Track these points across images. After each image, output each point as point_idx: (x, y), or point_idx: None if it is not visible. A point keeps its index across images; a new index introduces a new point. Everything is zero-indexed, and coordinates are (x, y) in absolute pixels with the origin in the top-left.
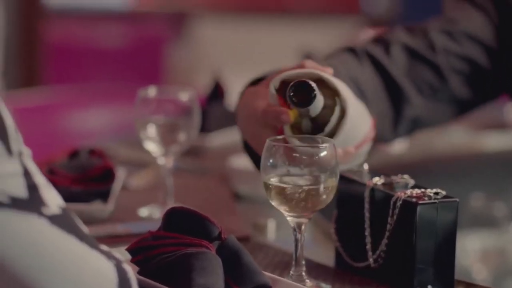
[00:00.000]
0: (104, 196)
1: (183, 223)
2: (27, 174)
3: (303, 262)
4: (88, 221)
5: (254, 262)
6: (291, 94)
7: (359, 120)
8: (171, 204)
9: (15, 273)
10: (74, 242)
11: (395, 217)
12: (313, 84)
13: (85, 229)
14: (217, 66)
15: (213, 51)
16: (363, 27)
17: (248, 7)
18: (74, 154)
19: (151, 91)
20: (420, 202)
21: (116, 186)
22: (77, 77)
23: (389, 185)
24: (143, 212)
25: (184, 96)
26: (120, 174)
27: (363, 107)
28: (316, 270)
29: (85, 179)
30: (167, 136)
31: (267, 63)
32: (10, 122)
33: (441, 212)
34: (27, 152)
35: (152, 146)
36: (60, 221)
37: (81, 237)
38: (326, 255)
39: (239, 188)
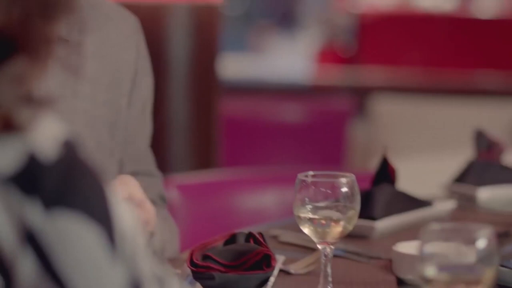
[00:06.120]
0: (261, 283)
1: None
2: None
3: None
4: None
5: None
6: None
7: None
8: None
9: None
10: None
11: None
12: None
13: None
14: (392, 144)
15: (392, 129)
16: None
17: (433, 85)
18: (230, 239)
19: (310, 175)
20: None
21: (274, 272)
22: (254, 153)
23: None
24: None
25: (343, 181)
26: (279, 259)
27: None
28: None
29: (241, 265)
30: (324, 222)
31: (447, 145)
32: (122, 221)
33: None
34: (146, 254)
35: (310, 232)
36: None
37: None
38: None
39: (404, 275)
